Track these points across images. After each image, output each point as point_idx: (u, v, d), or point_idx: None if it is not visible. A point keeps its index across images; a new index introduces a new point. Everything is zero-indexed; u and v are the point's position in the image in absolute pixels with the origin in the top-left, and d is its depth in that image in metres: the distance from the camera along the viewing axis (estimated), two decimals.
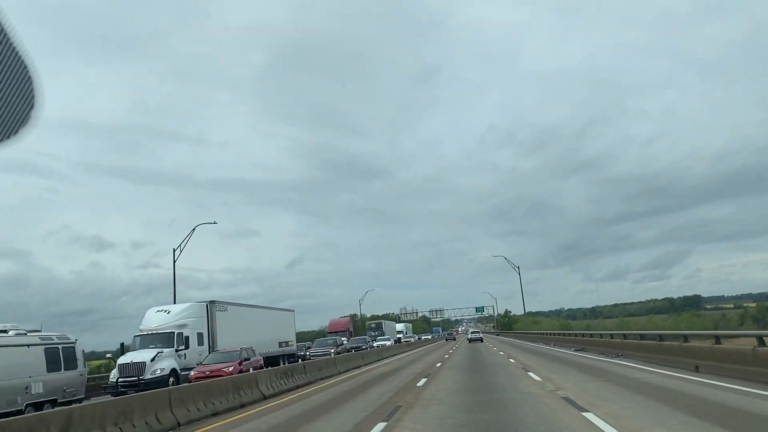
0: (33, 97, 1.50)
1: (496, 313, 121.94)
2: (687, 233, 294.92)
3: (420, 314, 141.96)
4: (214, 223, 43.95)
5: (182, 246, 40.49)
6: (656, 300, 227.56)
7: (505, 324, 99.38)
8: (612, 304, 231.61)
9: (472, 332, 70.49)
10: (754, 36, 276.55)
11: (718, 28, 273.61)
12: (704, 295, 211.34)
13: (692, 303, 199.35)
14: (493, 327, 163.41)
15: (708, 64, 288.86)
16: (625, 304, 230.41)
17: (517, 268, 78.08)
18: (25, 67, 1.47)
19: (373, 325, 79.49)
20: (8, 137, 1.50)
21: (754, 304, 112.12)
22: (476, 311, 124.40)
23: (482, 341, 56.71)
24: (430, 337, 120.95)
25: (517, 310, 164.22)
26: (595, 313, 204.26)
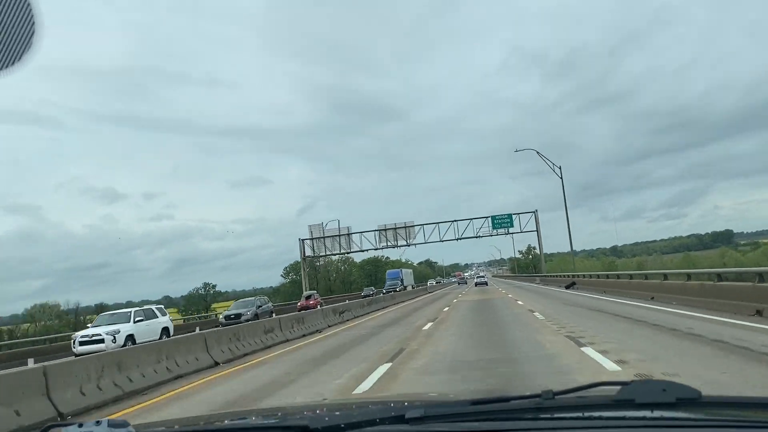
0: (33, 18, 1.46)
1: (537, 221, 62.55)
2: (708, 170, 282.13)
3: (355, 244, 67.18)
4: None
5: None
6: (681, 237, 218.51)
7: (525, 266, 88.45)
8: (632, 243, 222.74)
9: (477, 277, 79.42)
10: None
11: None
12: (721, 231, 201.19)
13: (723, 239, 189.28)
14: (511, 270, 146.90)
15: None
16: (647, 242, 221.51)
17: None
18: None
19: None
20: (12, 63, 1.49)
21: None
22: (494, 226, 63.33)
23: (487, 284, 64.29)
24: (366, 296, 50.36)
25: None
26: (616, 252, 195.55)
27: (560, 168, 41.67)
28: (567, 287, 34.97)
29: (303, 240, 68.33)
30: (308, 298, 45.78)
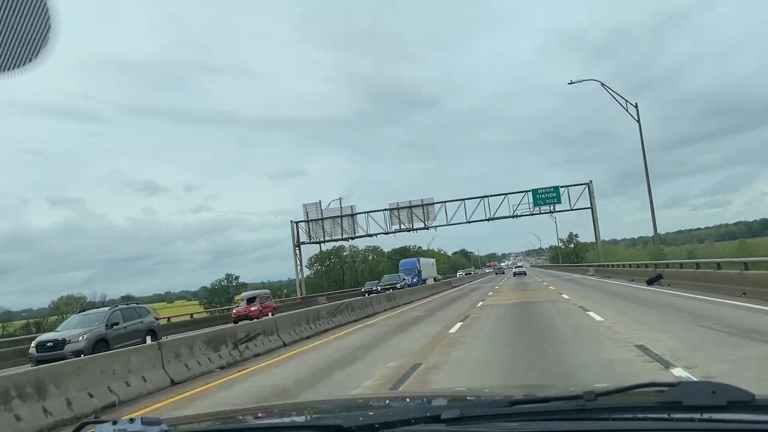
0: (48, 13, 1.41)
1: (592, 195, 49.61)
2: (753, 155, 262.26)
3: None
4: None
5: None
6: (728, 225, 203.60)
7: (567, 255, 76.94)
8: (675, 231, 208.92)
9: (516, 267, 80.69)
10: None
11: None
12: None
13: None
14: (551, 259, 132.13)
15: None
16: (691, 230, 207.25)
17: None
18: None
19: None
20: (29, 60, 1.43)
21: None
22: (536, 202, 51.12)
23: (525, 274, 64.83)
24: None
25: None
26: (660, 240, 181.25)
27: (636, 106, 30.68)
28: (649, 283, 23.49)
29: (296, 222, 54.95)
30: (251, 301, 31.96)
